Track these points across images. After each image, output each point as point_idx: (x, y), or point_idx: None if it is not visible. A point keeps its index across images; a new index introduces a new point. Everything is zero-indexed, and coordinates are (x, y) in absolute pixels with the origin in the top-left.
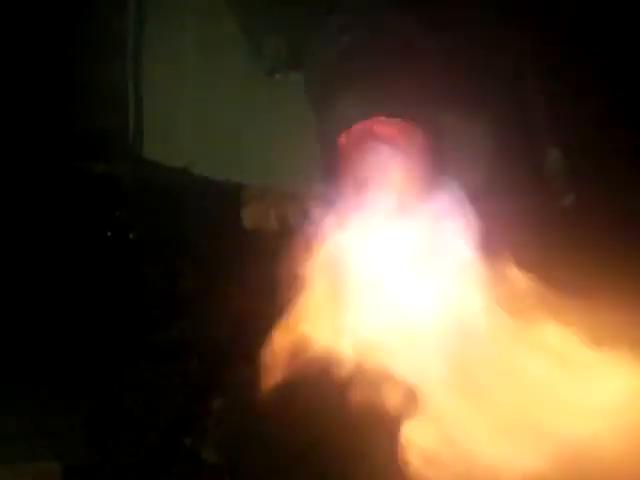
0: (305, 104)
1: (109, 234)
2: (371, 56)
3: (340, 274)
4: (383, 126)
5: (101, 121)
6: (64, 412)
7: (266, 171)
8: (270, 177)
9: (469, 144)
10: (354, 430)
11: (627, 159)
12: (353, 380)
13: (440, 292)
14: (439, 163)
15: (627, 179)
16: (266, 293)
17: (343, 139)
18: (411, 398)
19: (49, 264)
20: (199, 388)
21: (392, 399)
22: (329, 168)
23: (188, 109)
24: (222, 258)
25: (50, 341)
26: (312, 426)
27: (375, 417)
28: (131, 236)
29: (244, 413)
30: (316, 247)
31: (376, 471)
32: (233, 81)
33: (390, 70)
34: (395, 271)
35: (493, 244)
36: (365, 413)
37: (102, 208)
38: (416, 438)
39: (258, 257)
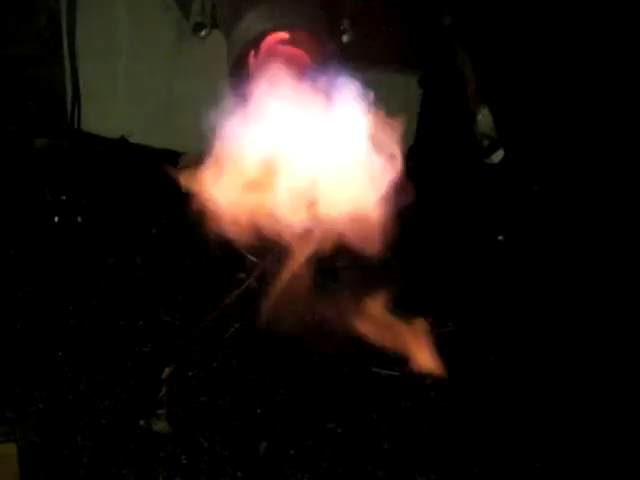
0: None
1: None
2: None
3: None
4: (286, 40)
5: (38, 96)
6: (20, 400)
7: (201, 136)
8: (205, 142)
9: (399, 97)
10: None
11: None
12: None
13: None
14: (335, 75)
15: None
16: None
17: (250, 57)
18: None
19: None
20: (151, 370)
21: None
22: (236, 82)
23: (123, 80)
24: (172, 245)
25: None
26: None
27: None
28: (79, 219)
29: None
30: None
31: None
32: (165, 49)
33: None
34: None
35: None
36: None
37: (47, 192)
38: None
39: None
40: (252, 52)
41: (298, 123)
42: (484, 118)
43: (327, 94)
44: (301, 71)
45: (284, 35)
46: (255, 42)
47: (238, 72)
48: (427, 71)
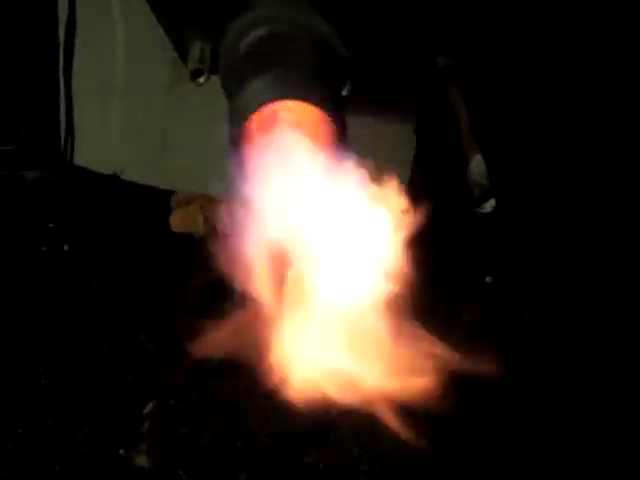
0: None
1: (43, 248)
2: (279, 47)
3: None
4: (288, 110)
5: (32, 128)
6: None
7: (194, 176)
8: (198, 182)
9: (391, 147)
10: None
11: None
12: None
13: None
14: (342, 148)
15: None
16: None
17: (250, 125)
18: None
19: None
20: (132, 398)
21: None
22: (237, 152)
23: (117, 117)
24: (156, 270)
25: None
26: None
27: None
28: (65, 247)
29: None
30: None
31: None
32: (162, 88)
33: (297, 60)
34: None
35: None
36: None
37: (35, 217)
38: None
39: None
40: (255, 122)
41: (312, 197)
42: (477, 165)
43: (333, 170)
44: (301, 138)
45: (288, 105)
46: (258, 112)
47: (240, 142)
48: (422, 118)
